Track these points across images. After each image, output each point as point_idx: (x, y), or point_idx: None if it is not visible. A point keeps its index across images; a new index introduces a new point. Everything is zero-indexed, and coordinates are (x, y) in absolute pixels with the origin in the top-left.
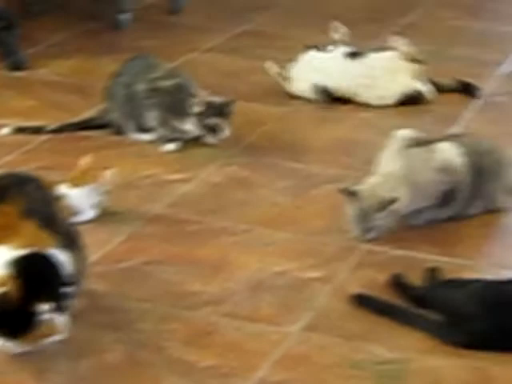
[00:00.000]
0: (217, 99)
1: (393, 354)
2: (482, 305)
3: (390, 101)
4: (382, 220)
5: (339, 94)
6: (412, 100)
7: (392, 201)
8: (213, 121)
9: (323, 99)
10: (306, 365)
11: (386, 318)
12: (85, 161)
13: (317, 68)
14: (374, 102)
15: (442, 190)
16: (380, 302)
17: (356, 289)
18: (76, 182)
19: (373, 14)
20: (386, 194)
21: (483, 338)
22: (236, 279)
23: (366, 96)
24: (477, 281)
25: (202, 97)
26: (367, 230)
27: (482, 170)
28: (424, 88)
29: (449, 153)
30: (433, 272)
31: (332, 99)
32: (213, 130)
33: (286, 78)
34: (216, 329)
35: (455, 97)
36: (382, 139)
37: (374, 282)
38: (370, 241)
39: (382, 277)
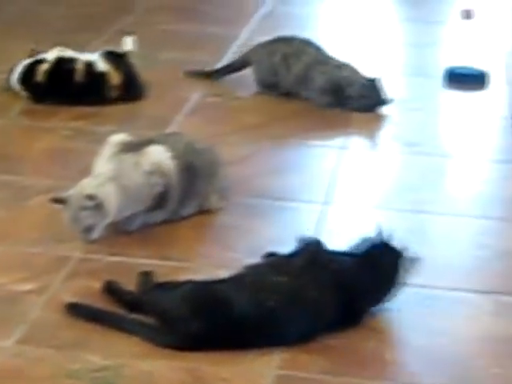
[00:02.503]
0: None
1: (107, 361)
2: (193, 305)
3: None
4: (90, 218)
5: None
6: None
7: (90, 197)
8: None
9: None
10: (21, 378)
11: (101, 326)
12: None
13: None
14: None
15: (153, 194)
16: (94, 309)
17: (70, 298)
18: None
19: (85, 22)
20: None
21: (195, 338)
22: None
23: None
24: (188, 282)
25: None
26: (85, 231)
27: (194, 170)
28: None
29: (159, 155)
30: (146, 276)
31: None
32: None
33: None
34: None
35: (169, 99)
36: (94, 146)
37: (89, 290)
38: (92, 242)
39: (97, 284)
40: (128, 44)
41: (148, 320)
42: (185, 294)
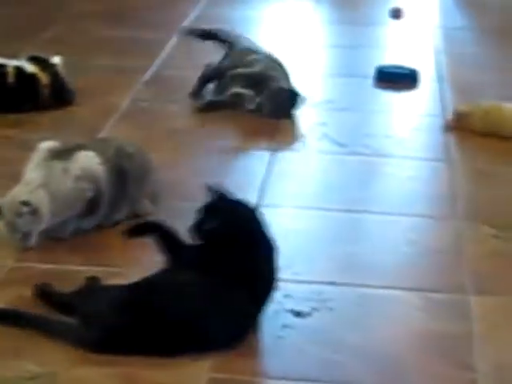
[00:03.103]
0: None
1: (41, 369)
2: (114, 302)
3: None
4: (27, 225)
5: None
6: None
7: (25, 203)
8: None
9: None
10: None
11: (32, 331)
12: None
13: None
14: None
15: (84, 199)
16: (13, 312)
17: (3, 307)
18: None
19: (14, 31)
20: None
21: (115, 334)
22: None
23: None
24: (116, 285)
25: None
26: (23, 238)
27: (124, 175)
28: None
29: (88, 161)
30: (92, 281)
31: None
32: None
33: None
34: None
35: (100, 105)
36: (26, 154)
37: (21, 298)
38: (28, 249)
39: (30, 293)
40: (55, 60)
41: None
42: (108, 293)
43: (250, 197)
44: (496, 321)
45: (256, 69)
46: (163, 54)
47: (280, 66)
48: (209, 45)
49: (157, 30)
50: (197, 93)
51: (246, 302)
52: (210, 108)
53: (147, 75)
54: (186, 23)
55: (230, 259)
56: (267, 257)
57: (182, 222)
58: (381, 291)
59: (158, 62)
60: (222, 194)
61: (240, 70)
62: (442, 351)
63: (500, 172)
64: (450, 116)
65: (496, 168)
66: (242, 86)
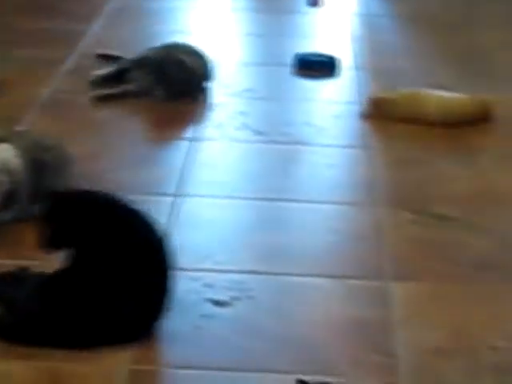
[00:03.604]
0: None
1: None
2: (35, 288)
3: None
4: None
5: None
6: None
7: None
8: None
9: None
10: None
11: None
12: None
13: None
14: None
15: (1, 192)
16: None
17: None
18: None
19: None
20: None
21: (30, 317)
22: None
23: None
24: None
25: None
26: None
27: (43, 167)
28: None
29: (5, 153)
30: (22, 272)
31: None
32: None
33: None
34: None
35: (19, 98)
36: None
37: None
38: None
39: None
40: None
41: None
42: (26, 281)
43: (169, 187)
44: (416, 306)
45: (153, 52)
46: (84, 45)
47: (191, 52)
48: (131, 36)
49: (78, 21)
50: (99, 83)
51: (144, 289)
52: (112, 98)
53: (67, 66)
54: (106, 13)
55: (112, 252)
56: (145, 237)
57: None
58: (301, 279)
59: (78, 52)
60: (57, 192)
61: (139, 55)
62: (362, 337)
63: (418, 158)
64: (366, 103)
65: (414, 154)
66: (146, 73)
